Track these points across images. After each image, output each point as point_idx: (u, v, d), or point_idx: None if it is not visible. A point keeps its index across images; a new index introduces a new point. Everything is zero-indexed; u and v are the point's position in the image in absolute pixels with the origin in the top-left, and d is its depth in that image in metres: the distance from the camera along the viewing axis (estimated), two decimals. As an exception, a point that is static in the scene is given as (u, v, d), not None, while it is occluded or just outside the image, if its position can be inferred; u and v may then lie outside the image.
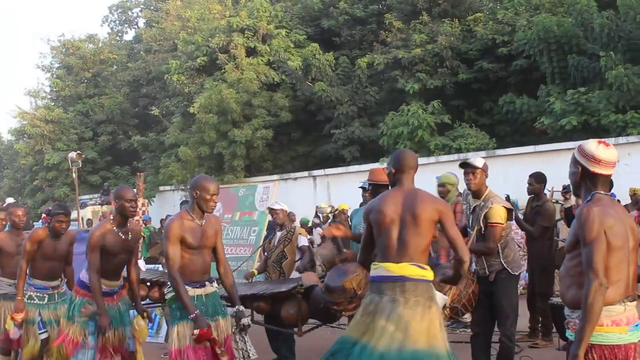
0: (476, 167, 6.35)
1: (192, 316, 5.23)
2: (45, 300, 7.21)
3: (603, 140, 3.82)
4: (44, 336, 7.10)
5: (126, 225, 6.34)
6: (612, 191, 8.97)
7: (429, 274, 4.68)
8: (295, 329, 7.56)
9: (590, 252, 3.50)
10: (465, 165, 6.46)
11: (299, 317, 7.44)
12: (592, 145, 3.77)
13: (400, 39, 26.12)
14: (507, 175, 17.29)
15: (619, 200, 8.79)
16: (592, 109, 20.20)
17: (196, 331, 5.21)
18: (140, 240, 10.04)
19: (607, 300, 3.51)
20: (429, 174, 9.65)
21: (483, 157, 7.22)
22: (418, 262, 4.63)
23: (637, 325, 3.62)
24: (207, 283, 5.63)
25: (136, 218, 12.68)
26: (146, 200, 12.61)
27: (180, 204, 11.15)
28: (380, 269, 4.72)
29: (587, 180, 3.75)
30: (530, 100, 22.21)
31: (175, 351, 5.34)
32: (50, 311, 7.20)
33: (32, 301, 7.14)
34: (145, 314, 6.64)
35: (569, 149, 18.25)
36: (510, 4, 25.42)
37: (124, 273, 6.65)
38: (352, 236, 7.21)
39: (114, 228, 6.25)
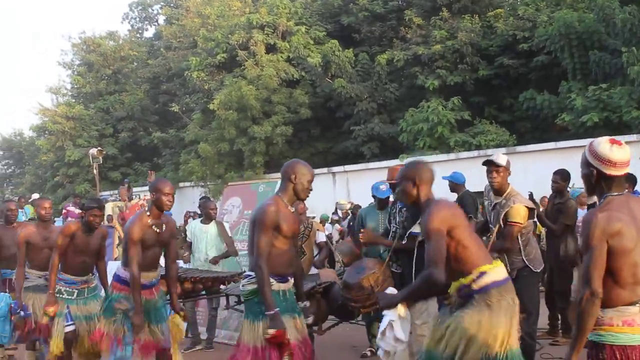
0: (499, 165, 6.32)
1: (270, 313, 4.86)
2: (75, 295, 7.10)
3: (614, 138, 3.66)
4: (69, 328, 6.98)
5: (161, 218, 6.24)
6: (636, 189, 8.90)
7: None
8: (315, 328, 7.56)
9: (587, 260, 3.44)
10: (488, 163, 6.43)
11: (318, 317, 7.44)
12: (605, 146, 3.58)
13: (420, 35, 26.06)
14: (528, 171, 17.20)
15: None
16: (613, 105, 20.05)
17: (272, 331, 4.86)
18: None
19: (620, 302, 3.46)
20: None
21: (504, 154, 7.18)
22: None
23: None
24: (289, 277, 5.31)
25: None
26: None
27: (200, 199, 11.12)
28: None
29: (602, 183, 3.59)
30: (551, 97, 22.08)
31: (250, 348, 4.99)
32: (79, 306, 7.09)
33: (61, 295, 7.01)
34: (182, 313, 6.56)
35: (590, 145, 18.14)
36: (530, -1, 25.29)
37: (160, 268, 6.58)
38: (380, 241, 7.13)
39: (149, 221, 6.13)
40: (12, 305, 7.55)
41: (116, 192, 29.48)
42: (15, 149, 46.11)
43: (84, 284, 7.18)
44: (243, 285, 5.20)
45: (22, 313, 7.42)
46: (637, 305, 3.48)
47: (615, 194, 3.56)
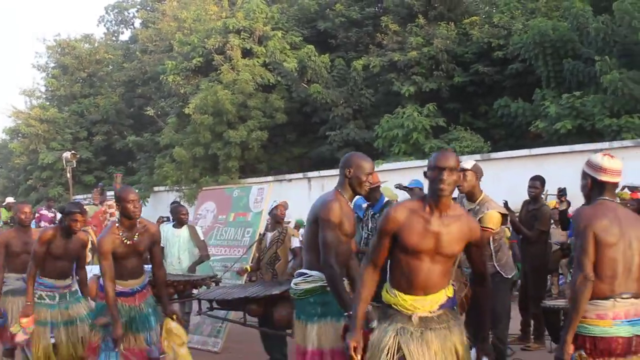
0: (465, 169, 6.35)
1: (350, 313, 4.51)
2: (56, 300, 6.99)
3: (608, 153, 4.23)
4: (53, 340, 6.88)
5: (134, 227, 6.12)
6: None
7: None
8: (289, 331, 7.55)
9: (578, 248, 3.93)
10: None
11: (291, 319, 7.43)
12: (598, 157, 4.14)
13: (396, 41, 26.14)
14: (501, 178, 17.30)
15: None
16: (587, 113, 20.23)
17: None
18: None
19: (596, 294, 3.88)
20: (422, 177, 9.62)
21: (477, 160, 7.25)
22: None
23: (630, 322, 3.89)
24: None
25: (113, 219, 12.60)
26: None
27: (171, 204, 11.07)
28: None
29: (595, 189, 4.10)
30: (525, 104, 22.23)
31: (313, 352, 4.77)
32: (61, 311, 6.98)
33: (42, 301, 6.91)
34: (174, 316, 6.41)
35: (563, 152, 18.33)
36: (506, 7, 25.45)
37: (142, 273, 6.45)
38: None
39: (120, 233, 6.05)
40: None
41: (90, 195, 29.32)
42: (-12, 152, 45.67)
43: (65, 288, 7.06)
44: (295, 284, 5.00)
45: (0, 320, 7.34)
46: (611, 299, 3.89)
47: (606, 198, 4.08)
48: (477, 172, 6.42)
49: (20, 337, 6.85)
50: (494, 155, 20.94)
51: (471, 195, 6.35)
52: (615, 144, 18.56)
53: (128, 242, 6.05)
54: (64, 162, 18.91)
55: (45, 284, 6.95)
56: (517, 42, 22.48)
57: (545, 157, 18.91)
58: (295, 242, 8.34)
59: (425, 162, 20.78)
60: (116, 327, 5.85)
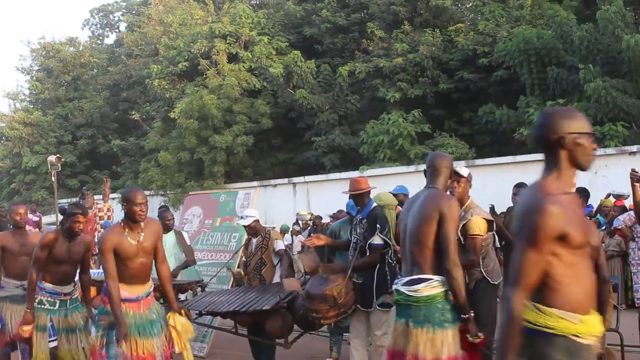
0: (461, 176, 6.41)
1: (468, 316, 4.41)
2: (57, 306, 6.77)
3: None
4: (53, 344, 6.66)
5: (139, 227, 5.96)
6: (590, 202, 9.08)
7: None
8: (282, 340, 7.58)
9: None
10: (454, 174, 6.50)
11: (284, 330, 7.46)
12: None
13: (382, 48, 26.25)
14: (486, 185, 17.39)
15: (595, 212, 8.91)
16: (570, 121, 20.35)
17: (481, 334, 4.53)
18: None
19: None
20: (409, 183, 9.70)
21: (466, 167, 7.28)
22: None
23: None
24: None
25: (96, 225, 12.53)
26: (111, 206, 12.42)
27: (159, 208, 11.03)
28: None
29: None
30: (509, 111, 22.35)
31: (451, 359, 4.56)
32: (61, 318, 6.77)
33: (42, 306, 6.71)
34: (183, 311, 6.22)
35: (547, 160, 18.40)
36: (491, 15, 25.61)
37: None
38: (334, 244, 7.27)
39: (125, 232, 5.90)
40: None
41: (75, 200, 29.19)
42: (-29, 155, 45.42)
43: (66, 295, 6.85)
44: (416, 291, 4.69)
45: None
46: None
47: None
48: (470, 180, 6.51)
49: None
50: (478, 161, 21.04)
51: (460, 201, 6.39)
52: (599, 151, 18.70)
53: (133, 242, 5.90)
54: (49, 165, 18.77)
55: (47, 289, 6.76)
56: (502, 49, 22.62)
57: (529, 164, 19.00)
58: (279, 245, 8.25)
59: (410, 168, 20.85)
60: (120, 326, 5.66)
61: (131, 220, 5.92)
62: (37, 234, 8.04)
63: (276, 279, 8.04)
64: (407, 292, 4.72)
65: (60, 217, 17.22)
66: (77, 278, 7.19)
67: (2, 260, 7.42)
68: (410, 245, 4.76)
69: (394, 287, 4.99)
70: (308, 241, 7.19)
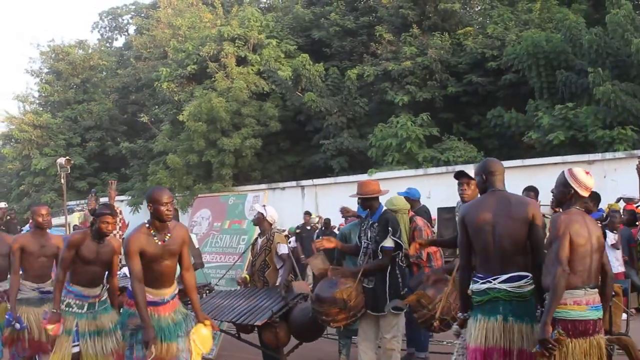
0: (471, 178, 6.37)
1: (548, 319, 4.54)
2: (85, 309, 6.58)
3: (586, 170, 4.94)
4: (75, 350, 6.44)
5: (165, 228, 5.84)
6: (600, 206, 9.07)
7: None
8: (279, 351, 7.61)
9: (557, 246, 4.58)
10: (461, 175, 6.48)
11: (277, 343, 7.47)
12: (582, 174, 4.84)
13: (390, 51, 26.26)
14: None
15: (606, 216, 8.92)
16: (579, 125, 20.35)
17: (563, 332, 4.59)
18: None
19: (571, 285, 4.57)
20: (417, 186, 9.70)
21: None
22: None
23: (596, 307, 4.67)
24: None
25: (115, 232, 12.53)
26: (119, 207, 12.39)
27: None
28: None
29: (573, 199, 4.82)
30: (518, 115, 22.34)
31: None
32: (88, 321, 6.57)
33: (70, 309, 6.51)
34: (208, 322, 6.07)
35: (556, 163, 18.41)
36: (499, 18, 25.60)
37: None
38: (344, 248, 7.25)
39: (151, 233, 5.79)
40: (7, 317, 7.11)
41: (83, 202, 29.28)
42: (-20, 157, 45.57)
43: (94, 297, 6.68)
44: (520, 287, 4.84)
45: (17, 325, 7.07)
46: (583, 289, 4.63)
47: (577, 207, 4.82)
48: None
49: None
50: (487, 165, 20.96)
51: (470, 203, 6.38)
52: (608, 155, 18.67)
53: (159, 243, 5.81)
54: (58, 168, 18.78)
55: (75, 292, 6.59)
56: (511, 53, 22.60)
57: (538, 168, 18.99)
58: (283, 249, 8.22)
59: (418, 172, 20.87)
60: (147, 329, 5.57)
61: (158, 220, 5.82)
62: (58, 236, 7.97)
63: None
64: (509, 289, 4.87)
65: (70, 219, 17.33)
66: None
67: (21, 262, 7.31)
68: (507, 245, 4.92)
69: (481, 285, 5.00)
70: (318, 243, 7.17)
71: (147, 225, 5.86)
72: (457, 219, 6.80)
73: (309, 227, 16.92)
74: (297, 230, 16.84)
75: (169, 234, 5.87)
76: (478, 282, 5.00)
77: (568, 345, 4.54)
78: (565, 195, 4.86)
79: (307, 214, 17.90)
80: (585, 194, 4.84)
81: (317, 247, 7.30)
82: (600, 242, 4.79)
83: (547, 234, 5.09)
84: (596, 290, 4.72)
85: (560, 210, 5.01)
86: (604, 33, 20.81)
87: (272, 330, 7.35)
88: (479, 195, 6.33)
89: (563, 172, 4.92)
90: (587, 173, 4.88)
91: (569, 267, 4.53)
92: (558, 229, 4.61)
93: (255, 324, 7.29)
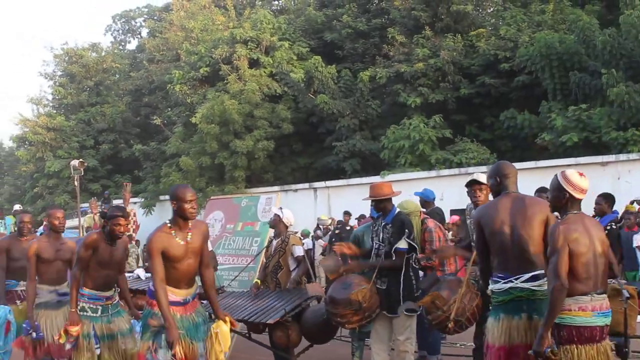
0: (483, 183, 6.42)
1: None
2: (99, 313, 6.60)
3: (580, 171, 4.84)
4: (97, 352, 6.49)
5: (187, 227, 5.81)
6: (615, 208, 9.03)
7: None
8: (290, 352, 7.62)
9: (555, 260, 4.50)
10: (472, 182, 6.60)
11: (288, 343, 7.48)
12: (576, 176, 4.75)
13: (403, 53, 26.23)
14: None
15: (620, 218, 8.88)
16: (593, 126, 20.26)
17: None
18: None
19: (576, 292, 4.53)
20: (429, 188, 9.71)
21: (483, 172, 7.28)
22: None
23: (603, 313, 4.61)
24: None
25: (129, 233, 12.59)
26: (133, 209, 12.35)
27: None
28: None
29: (570, 203, 4.73)
30: (531, 116, 22.26)
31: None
32: (103, 324, 6.60)
33: (85, 313, 6.53)
34: (228, 319, 6.01)
35: (569, 165, 18.32)
36: (512, 20, 25.51)
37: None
38: (362, 254, 7.24)
39: (173, 232, 5.74)
40: (24, 326, 7.11)
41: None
42: (-5, 160, 45.86)
43: (108, 300, 6.69)
44: (541, 285, 5.00)
45: (34, 335, 7.06)
46: (589, 295, 4.56)
47: (575, 212, 4.72)
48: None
49: (67, 347, 6.52)
50: (500, 167, 20.89)
51: (483, 208, 6.38)
52: (622, 156, 18.58)
53: (182, 243, 5.74)
54: (72, 170, 18.88)
55: (89, 295, 6.59)
56: (524, 54, 22.52)
57: (551, 170, 18.86)
58: (298, 251, 8.23)
59: (431, 174, 20.82)
60: (172, 330, 5.50)
61: (182, 218, 5.78)
62: (72, 241, 7.95)
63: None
64: (533, 288, 5.02)
65: (83, 221, 17.39)
66: None
67: (37, 267, 7.29)
68: (526, 245, 5.06)
69: (503, 285, 5.06)
70: (337, 248, 7.16)
71: (168, 224, 5.81)
72: (468, 221, 6.81)
73: (348, 227, 16.90)
74: (337, 231, 16.85)
75: (190, 233, 5.82)
76: (499, 282, 5.09)
77: (574, 351, 4.54)
78: (560, 199, 4.77)
79: (347, 213, 17.97)
80: (581, 196, 4.75)
81: (336, 251, 7.28)
82: (605, 245, 4.71)
83: None
84: (604, 296, 4.67)
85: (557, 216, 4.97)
86: (617, 34, 20.70)
87: (284, 330, 7.37)
88: (490, 198, 6.36)
89: (556, 175, 4.85)
90: (581, 175, 4.79)
91: (573, 276, 4.50)
92: (556, 241, 4.53)
93: (267, 322, 7.29)
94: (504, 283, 5.01)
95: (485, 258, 5.28)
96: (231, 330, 8.04)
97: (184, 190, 5.82)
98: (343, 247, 7.17)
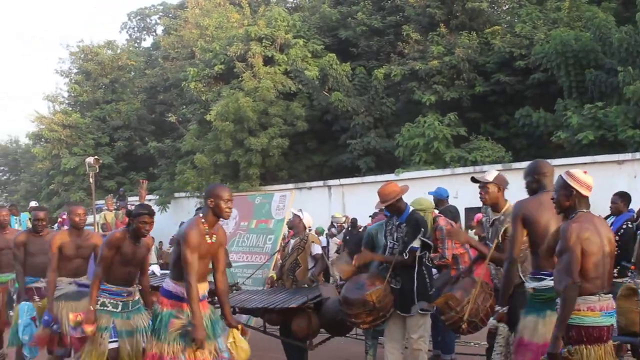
0: (485, 182, 6.33)
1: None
2: (119, 308, 6.51)
3: (585, 170, 4.89)
4: (113, 345, 6.38)
5: (214, 228, 5.77)
6: (631, 207, 8.97)
7: None
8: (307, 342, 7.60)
9: (567, 258, 4.49)
10: (474, 181, 6.50)
11: (309, 331, 7.48)
12: (581, 173, 4.79)
13: (418, 50, 26.19)
14: (523, 188, 17.21)
15: (637, 217, 8.81)
16: (609, 124, 20.15)
17: None
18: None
19: (585, 292, 4.51)
20: (443, 186, 9.68)
21: (499, 170, 7.23)
22: None
23: (610, 313, 4.62)
24: None
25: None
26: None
27: (196, 210, 11.05)
28: None
29: (576, 201, 4.71)
30: (547, 114, 22.16)
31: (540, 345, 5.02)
32: (123, 321, 6.51)
33: (105, 308, 6.45)
34: (240, 327, 5.98)
35: (585, 163, 18.20)
36: (528, 17, 25.40)
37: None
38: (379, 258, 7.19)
39: (205, 229, 5.69)
40: (46, 318, 7.09)
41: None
42: (11, 156, 46.13)
43: (129, 295, 6.63)
44: (547, 285, 5.12)
45: (55, 327, 7.07)
46: (597, 295, 4.57)
47: (584, 210, 4.70)
48: (500, 183, 6.38)
49: (72, 332, 6.56)
50: (515, 165, 20.82)
51: (495, 206, 6.33)
52: (638, 155, 18.44)
53: (209, 241, 5.71)
54: (87, 167, 18.98)
55: (110, 290, 6.51)
56: (539, 52, 22.42)
57: (567, 168, 18.66)
58: (317, 249, 8.27)
59: (446, 172, 20.74)
60: (200, 327, 5.48)
61: (217, 216, 5.75)
62: (96, 236, 8.00)
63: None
64: (537, 287, 5.23)
65: (98, 218, 17.47)
66: None
67: (58, 260, 7.29)
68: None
69: (549, 282, 5.07)
70: (360, 259, 7.06)
71: (202, 221, 5.75)
72: (484, 219, 6.75)
73: (355, 233, 16.87)
74: (350, 228, 16.85)
75: (215, 235, 5.78)
76: (545, 279, 5.16)
77: (583, 352, 4.54)
78: (567, 198, 4.75)
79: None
80: (588, 193, 4.74)
81: (359, 262, 7.17)
82: (612, 245, 4.74)
83: None
84: (610, 295, 4.68)
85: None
86: (634, 31, 20.55)
87: (304, 318, 7.37)
88: (503, 198, 6.33)
89: (560, 175, 4.87)
90: (585, 172, 4.80)
91: (582, 275, 4.50)
92: (569, 239, 4.51)
93: (290, 305, 7.31)
94: (551, 280, 5.02)
95: (517, 251, 5.45)
96: (247, 326, 8.05)
97: (223, 189, 5.83)
98: (366, 257, 7.14)
